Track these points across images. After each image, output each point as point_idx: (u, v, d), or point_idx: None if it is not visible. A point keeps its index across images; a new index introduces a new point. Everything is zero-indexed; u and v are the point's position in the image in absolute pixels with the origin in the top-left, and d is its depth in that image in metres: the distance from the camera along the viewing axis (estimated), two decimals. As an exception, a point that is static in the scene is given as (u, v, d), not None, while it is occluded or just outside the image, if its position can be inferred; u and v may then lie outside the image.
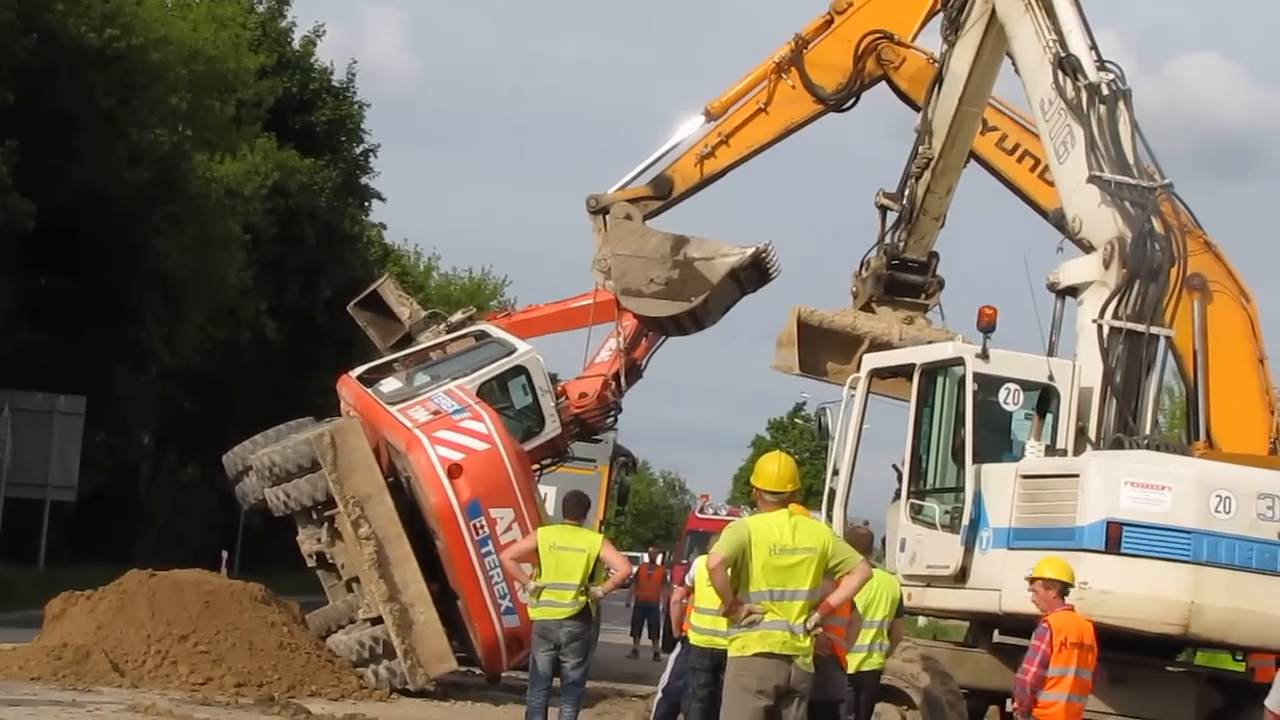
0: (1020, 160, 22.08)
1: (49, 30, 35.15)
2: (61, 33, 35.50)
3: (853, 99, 22.68)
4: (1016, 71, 18.90)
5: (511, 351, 22.51)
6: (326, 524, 21.23)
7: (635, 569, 38.79)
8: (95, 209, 36.87)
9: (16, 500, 34.96)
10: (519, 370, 22.52)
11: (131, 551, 37.80)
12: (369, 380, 22.51)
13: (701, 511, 43.49)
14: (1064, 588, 13.36)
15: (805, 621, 11.73)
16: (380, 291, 24.11)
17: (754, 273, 21.89)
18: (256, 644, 20.00)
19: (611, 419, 24.05)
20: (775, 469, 12.21)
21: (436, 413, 21.23)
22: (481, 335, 23.12)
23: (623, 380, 23.46)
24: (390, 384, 22.28)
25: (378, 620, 20.79)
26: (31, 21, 34.53)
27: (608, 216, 22.08)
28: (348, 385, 22.67)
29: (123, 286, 38.46)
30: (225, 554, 35.06)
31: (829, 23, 22.63)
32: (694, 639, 15.60)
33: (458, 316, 23.97)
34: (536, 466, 22.75)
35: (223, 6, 47.39)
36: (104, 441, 39.31)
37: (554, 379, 22.94)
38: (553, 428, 22.56)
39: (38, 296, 37.04)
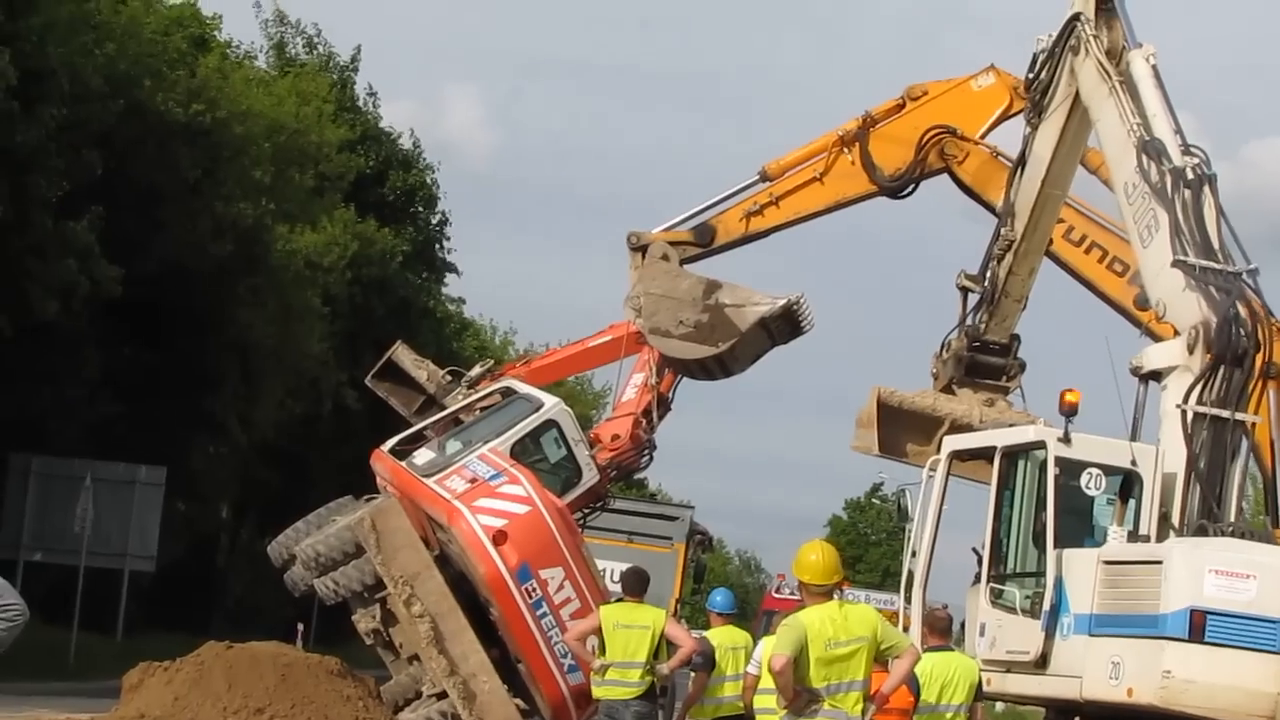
0: (1088, 252, 21.91)
1: (137, 104, 35.61)
2: (149, 108, 35.98)
3: (911, 186, 22.57)
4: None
5: (540, 407, 22.24)
6: (379, 605, 21.17)
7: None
8: (178, 280, 37.25)
9: (96, 569, 35.13)
10: (549, 424, 22.26)
11: (209, 622, 37.98)
12: (401, 453, 22.40)
13: (778, 591, 43.22)
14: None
15: (862, 713, 11.67)
16: (395, 359, 23.94)
17: (785, 324, 21.60)
18: (332, 718, 19.97)
19: (647, 458, 23.74)
20: (818, 559, 11.88)
21: (473, 480, 21.05)
22: (508, 391, 22.88)
23: (654, 415, 23.21)
24: (423, 455, 22.07)
25: (443, 695, 20.72)
26: (119, 93, 34.98)
27: (646, 254, 22.09)
28: (381, 460, 22.49)
29: (203, 357, 38.79)
30: (300, 626, 35.11)
31: (900, 106, 22.59)
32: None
33: (476, 371, 23.73)
34: (579, 515, 22.55)
35: (305, 81, 47.93)
36: (183, 512, 39.53)
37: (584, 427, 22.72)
38: (590, 476, 22.30)
39: (120, 366, 37.35)
